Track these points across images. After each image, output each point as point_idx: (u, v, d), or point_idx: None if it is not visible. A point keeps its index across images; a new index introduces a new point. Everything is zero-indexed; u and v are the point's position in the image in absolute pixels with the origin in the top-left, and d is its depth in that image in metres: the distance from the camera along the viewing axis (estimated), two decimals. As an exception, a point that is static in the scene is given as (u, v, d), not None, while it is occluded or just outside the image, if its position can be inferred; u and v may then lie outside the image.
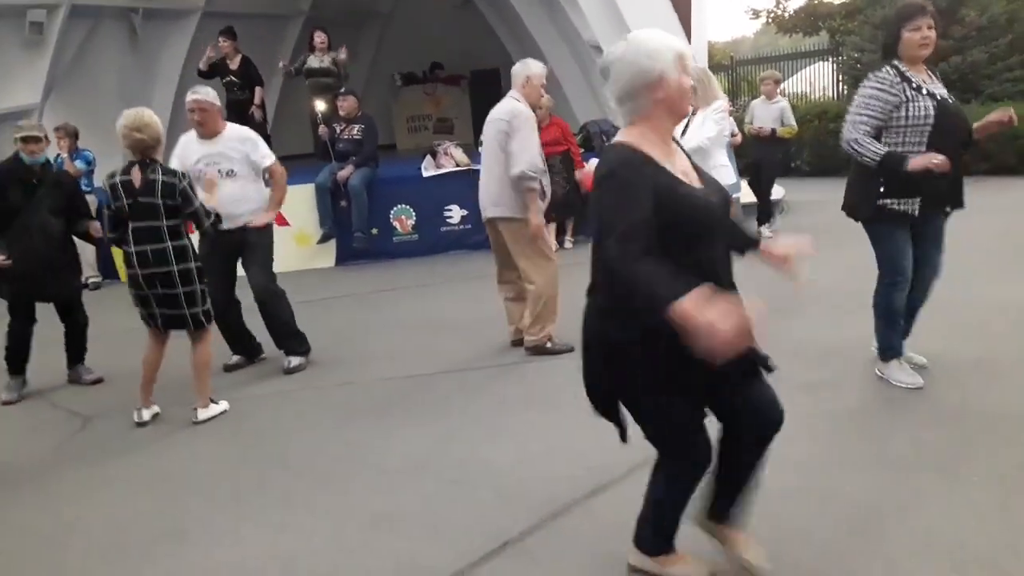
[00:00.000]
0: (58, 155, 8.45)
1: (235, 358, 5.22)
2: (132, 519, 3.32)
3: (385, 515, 3.15)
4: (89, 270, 8.54)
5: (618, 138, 2.21)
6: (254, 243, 4.96)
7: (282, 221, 5.38)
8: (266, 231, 5.03)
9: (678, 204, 2.08)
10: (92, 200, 7.67)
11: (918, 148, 3.59)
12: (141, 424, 4.33)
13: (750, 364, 2.22)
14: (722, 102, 5.49)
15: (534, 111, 4.94)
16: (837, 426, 3.60)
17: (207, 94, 4.85)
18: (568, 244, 8.24)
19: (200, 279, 4.31)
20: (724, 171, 5.65)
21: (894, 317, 3.88)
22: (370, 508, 3.22)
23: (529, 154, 4.65)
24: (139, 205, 4.13)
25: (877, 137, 3.68)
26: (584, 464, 3.34)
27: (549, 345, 4.85)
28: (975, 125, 3.69)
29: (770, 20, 21.18)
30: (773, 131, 8.22)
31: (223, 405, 4.45)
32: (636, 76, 2.09)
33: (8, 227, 4.84)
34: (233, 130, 4.97)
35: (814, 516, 2.84)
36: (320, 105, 8.73)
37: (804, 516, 2.84)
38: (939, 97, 3.60)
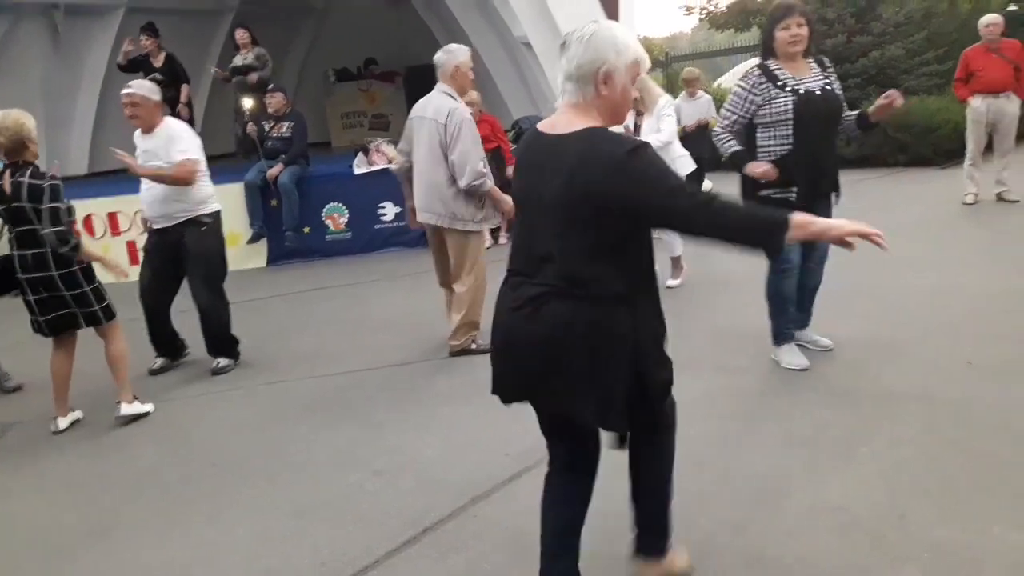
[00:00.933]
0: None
1: (159, 360, 5.17)
2: (55, 522, 3.31)
3: (308, 507, 3.21)
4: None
5: (590, 125, 2.06)
6: (192, 251, 4.85)
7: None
8: (205, 235, 4.88)
9: None
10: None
11: (786, 140, 3.84)
12: (58, 432, 4.28)
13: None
14: (667, 97, 5.77)
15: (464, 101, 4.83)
16: (744, 406, 3.78)
17: (140, 87, 4.79)
18: (503, 240, 8.33)
19: (89, 280, 4.22)
20: (684, 160, 5.89)
21: (783, 303, 4.11)
22: (294, 501, 3.28)
23: (473, 162, 4.53)
24: (12, 210, 4.07)
25: (752, 130, 3.93)
26: (506, 451, 3.45)
27: (474, 346, 4.88)
28: (869, 110, 3.92)
29: (703, 16, 21.61)
30: (702, 125, 8.43)
31: (148, 407, 4.43)
32: (592, 61, 2.03)
33: None
34: (167, 126, 4.86)
35: (717, 490, 3.00)
36: (247, 102, 8.63)
37: (707, 490, 2.99)
38: (803, 91, 3.81)
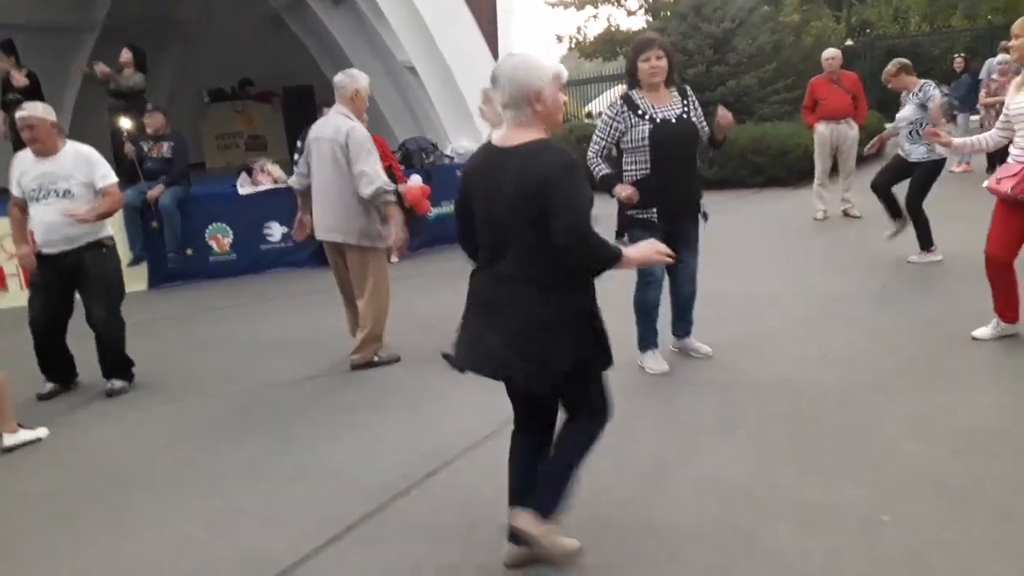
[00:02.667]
0: None
1: (49, 386, 5.00)
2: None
3: (224, 513, 3.28)
4: None
5: (536, 137, 2.47)
6: (93, 276, 4.79)
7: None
8: (106, 258, 4.85)
9: None
10: None
11: (645, 164, 4.20)
12: None
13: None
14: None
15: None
16: (628, 401, 4.07)
17: (34, 109, 4.67)
18: (394, 259, 8.47)
19: None
20: None
21: (648, 312, 4.46)
22: (208, 509, 3.34)
23: (374, 171, 4.67)
24: None
25: (619, 155, 4.30)
26: (418, 452, 3.64)
27: (376, 359, 5.02)
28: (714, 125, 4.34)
29: (572, 46, 22.53)
30: None
31: (42, 432, 4.31)
32: (520, 88, 2.43)
33: None
34: (71, 148, 4.78)
35: (609, 473, 3.28)
36: (125, 123, 8.41)
37: (600, 473, 3.25)
38: (659, 120, 4.16)
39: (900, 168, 6.53)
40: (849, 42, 19.65)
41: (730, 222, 8.67)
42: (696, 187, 4.39)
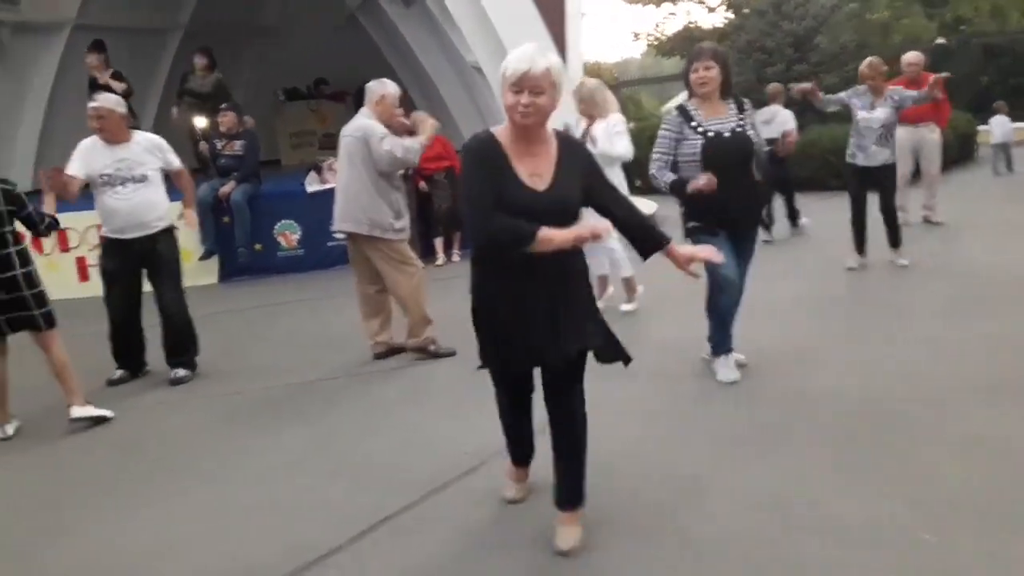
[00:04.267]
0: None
1: (119, 372, 5.26)
2: (23, 520, 3.42)
3: (267, 503, 3.38)
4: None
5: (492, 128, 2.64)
6: (164, 257, 5.06)
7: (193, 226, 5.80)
8: (173, 243, 5.14)
9: (503, 197, 2.52)
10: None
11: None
12: (4, 439, 4.38)
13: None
14: (621, 116, 5.84)
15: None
16: (674, 408, 4.06)
17: (105, 100, 4.95)
18: (456, 257, 8.56)
19: (40, 281, 4.38)
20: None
21: (720, 317, 4.35)
22: (253, 498, 3.44)
23: (397, 142, 4.89)
24: None
25: (674, 168, 4.18)
26: (458, 449, 3.66)
27: (432, 348, 5.12)
28: (776, 147, 4.26)
29: (650, 43, 22.27)
30: None
31: (106, 412, 4.52)
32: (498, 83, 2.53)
33: None
34: (142, 137, 5.08)
35: (648, 481, 3.26)
36: (200, 121, 8.74)
37: (639, 482, 3.25)
38: (712, 133, 4.06)
39: (861, 181, 6.48)
40: (940, 40, 18.84)
41: (807, 219, 8.47)
42: (754, 198, 4.26)
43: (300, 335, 6.16)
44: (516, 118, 2.51)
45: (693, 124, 4.10)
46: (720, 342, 4.40)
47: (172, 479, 3.71)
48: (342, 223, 5.12)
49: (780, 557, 2.66)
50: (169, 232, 5.15)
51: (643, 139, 13.12)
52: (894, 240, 6.55)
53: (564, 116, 7.47)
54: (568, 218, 2.60)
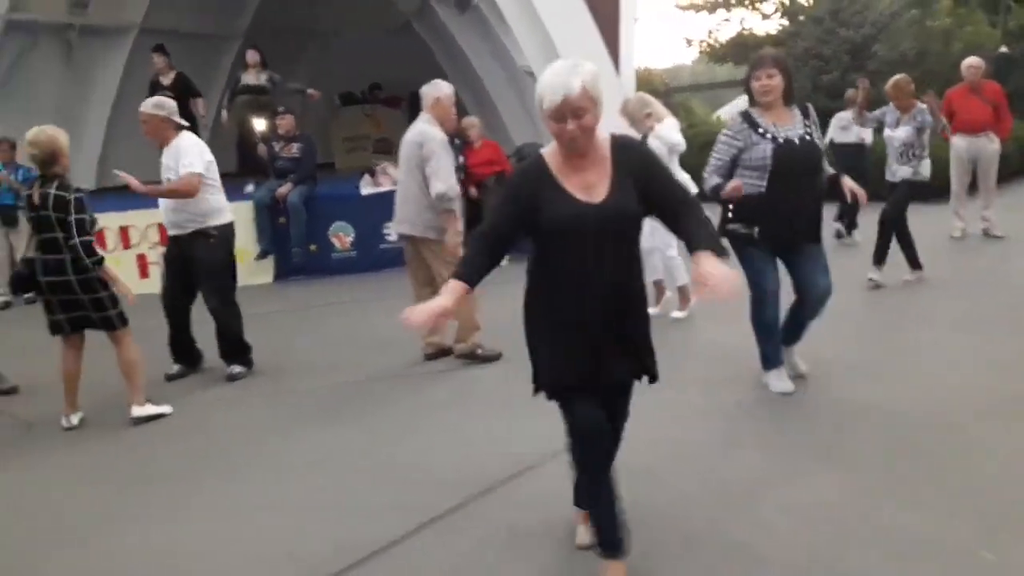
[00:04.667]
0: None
1: (176, 367, 5.40)
2: (81, 507, 3.55)
3: (317, 500, 3.45)
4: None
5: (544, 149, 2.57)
6: (198, 259, 5.12)
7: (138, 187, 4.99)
8: (213, 247, 5.12)
9: (543, 216, 2.46)
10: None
11: (760, 183, 4.02)
12: (70, 428, 4.54)
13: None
14: (675, 121, 5.87)
15: (445, 131, 5.21)
16: (725, 416, 4.03)
17: (145, 105, 5.10)
18: (504, 262, 8.58)
19: (104, 286, 4.48)
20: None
21: (764, 330, 4.27)
22: (303, 494, 3.52)
23: (446, 173, 4.96)
24: (39, 217, 4.37)
25: (730, 174, 4.13)
26: (502, 453, 3.69)
27: (479, 352, 5.17)
28: (842, 180, 4.16)
29: (703, 50, 22.06)
30: None
31: (166, 408, 4.66)
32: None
33: None
34: (179, 140, 5.10)
35: (697, 490, 3.24)
36: (260, 124, 8.94)
37: (689, 490, 3.24)
38: (783, 140, 3.99)
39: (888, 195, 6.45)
40: (1004, 48, 18.29)
41: (864, 238, 8.28)
42: (816, 209, 4.16)
43: (352, 335, 6.25)
44: (566, 146, 2.45)
45: (761, 130, 4.03)
46: (768, 355, 4.34)
47: (227, 472, 3.81)
48: (399, 225, 5.27)
49: (834, 568, 2.63)
50: (202, 235, 5.11)
51: (695, 146, 13.02)
52: (878, 256, 6.39)
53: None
54: (628, 227, 2.53)
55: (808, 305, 4.24)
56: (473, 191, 8.61)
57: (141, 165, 5.08)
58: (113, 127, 11.79)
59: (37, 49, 11.06)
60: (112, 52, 11.97)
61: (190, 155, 5.06)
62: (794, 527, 2.90)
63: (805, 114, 4.13)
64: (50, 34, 11.11)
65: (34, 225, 4.41)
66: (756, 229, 4.07)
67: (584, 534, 2.86)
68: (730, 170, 4.16)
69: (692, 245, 2.44)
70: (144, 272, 8.53)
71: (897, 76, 6.61)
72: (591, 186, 2.49)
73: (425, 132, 5.05)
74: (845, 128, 8.50)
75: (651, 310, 5.86)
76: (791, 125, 4.06)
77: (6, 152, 8.43)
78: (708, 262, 2.32)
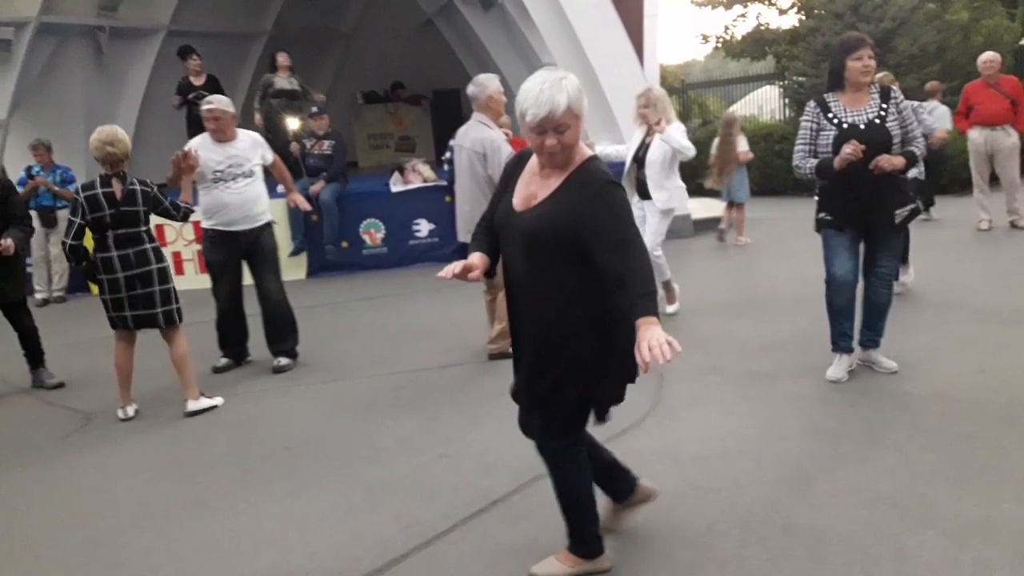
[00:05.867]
0: (30, 167, 8.69)
1: (223, 360, 5.54)
2: (153, 495, 3.67)
3: (382, 483, 3.56)
4: (56, 282, 8.75)
5: None
6: (267, 248, 5.36)
7: (305, 205, 5.97)
8: (273, 235, 5.44)
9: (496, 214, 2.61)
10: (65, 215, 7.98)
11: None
12: (126, 419, 4.68)
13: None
14: (680, 125, 5.89)
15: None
16: (771, 405, 4.11)
17: (219, 102, 5.26)
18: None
19: (171, 279, 4.67)
20: (680, 193, 6.05)
21: (833, 315, 4.32)
22: (368, 479, 3.63)
23: None
24: (121, 213, 4.50)
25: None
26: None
27: (511, 350, 5.23)
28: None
29: (719, 45, 22.04)
30: None
31: (217, 400, 4.79)
32: None
33: None
34: (246, 134, 5.39)
35: (752, 475, 3.33)
36: (293, 123, 9.09)
37: (743, 475, 3.32)
38: (847, 125, 4.01)
39: None
40: (1023, 42, 18.22)
41: (937, 213, 8.47)
42: (890, 194, 4.09)
43: (390, 328, 6.37)
44: (544, 160, 2.41)
45: (830, 115, 4.07)
46: (836, 339, 4.37)
47: (290, 459, 3.93)
48: (465, 235, 5.18)
49: (893, 548, 2.71)
50: (270, 225, 5.44)
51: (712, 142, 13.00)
52: (902, 257, 6.18)
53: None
54: (539, 247, 2.41)
55: (870, 288, 4.26)
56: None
57: (168, 162, 5.17)
58: (142, 126, 11.97)
59: (67, 51, 11.24)
60: (140, 53, 12.15)
61: (265, 146, 5.46)
62: (851, 509, 2.98)
63: (885, 97, 4.08)
64: (81, 36, 11.29)
65: (113, 221, 4.48)
66: (839, 215, 4.11)
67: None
68: (816, 154, 4.16)
69: (625, 312, 2.29)
70: (179, 269, 8.68)
71: (880, 75, 6.54)
72: (534, 195, 2.47)
73: (486, 141, 4.97)
74: (929, 114, 8.76)
75: (669, 309, 6.06)
76: (862, 108, 4.05)
77: (43, 155, 8.59)
78: (645, 332, 2.15)
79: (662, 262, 5.90)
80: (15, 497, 3.81)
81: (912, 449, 3.45)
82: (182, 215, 4.83)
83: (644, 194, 5.85)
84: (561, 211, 2.37)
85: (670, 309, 6.02)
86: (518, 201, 2.49)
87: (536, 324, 2.53)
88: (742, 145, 8.77)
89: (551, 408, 2.60)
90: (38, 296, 8.59)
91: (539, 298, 2.48)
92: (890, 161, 3.92)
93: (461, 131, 5.26)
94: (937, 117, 8.46)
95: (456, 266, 2.48)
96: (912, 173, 5.92)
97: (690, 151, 5.68)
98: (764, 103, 18.23)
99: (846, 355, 4.36)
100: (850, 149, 3.85)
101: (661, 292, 6.06)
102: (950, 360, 4.51)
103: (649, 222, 5.77)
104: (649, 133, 5.82)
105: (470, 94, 5.19)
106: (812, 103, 4.18)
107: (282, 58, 9.87)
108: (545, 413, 2.64)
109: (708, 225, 9.59)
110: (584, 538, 2.71)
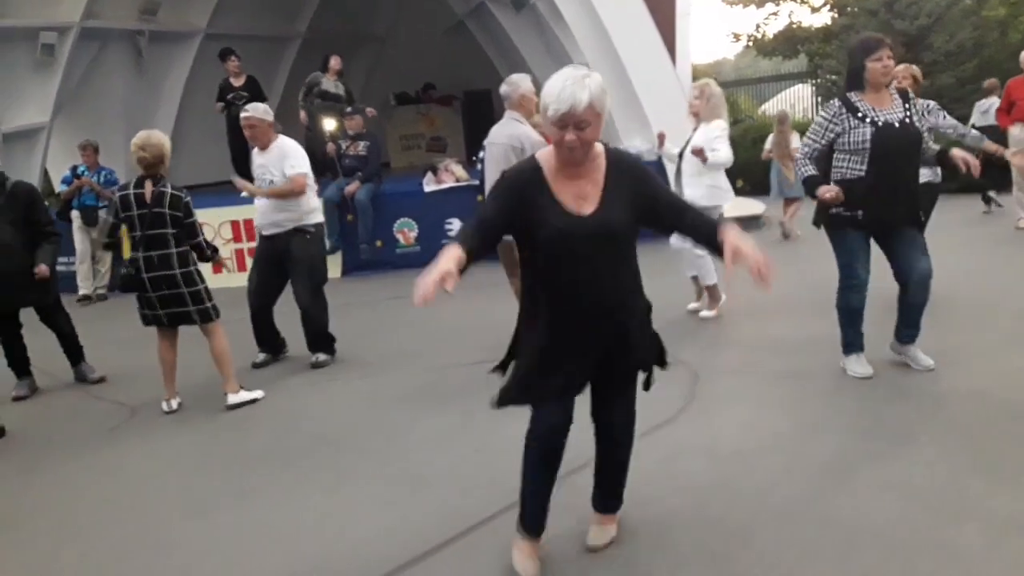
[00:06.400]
0: (76, 166, 8.94)
1: (261, 355, 5.67)
2: (200, 484, 3.78)
3: (420, 476, 3.63)
4: (99, 279, 8.97)
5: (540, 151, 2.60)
6: (297, 256, 5.38)
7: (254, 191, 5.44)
8: (309, 243, 5.43)
9: (535, 223, 2.50)
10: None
11: (859, 167, 4.08)
12: (170, 412, 4.82)
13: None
14: (725, 123, 5.83)
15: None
16: (806, 402, 4.12)
17: (254, 110, 5.34)
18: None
19: (201, 279, 4.78)
20: (727, 194, 5.99)
21: (850, 316, 4.33)
22: (406, 471, 3.70)
23: None
24: (150, 214, 4.62)
25: (827, 156, 4.21)
26: (591, 434, 3.80)
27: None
28: (952, 151, 4.18)
29: (750, 43, 21.91)
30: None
31: (257, 393, 4.90)
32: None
33: None
34: (280, 143, 5.40)
35: (788, 471, 3.35)
36: (329, 124, 9.23)
37: (778, 472, 3.34)
38: (881, 123, 4.03)
39: None
40: (1064, 37, 17.87)
41: (930, 227, 8.23)
42: (914, 192, 4.17)
43: (424, 325, 6.44)
44: (564, 155, 2.46)
45: (860, 114, 4.06)
46: (849, 340, 4.39)
47: (331, 452, 4.02)
48: None
49: (932, 541, 2.71)
50: (301, 232, 5.39)
51: (747, 141, 12.98)
52: None
53: (670, 117, 7.53)
54: (616, 241, 2.54)
55: (910, 289, 4.23)
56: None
57: (205, 163, 5.33)
58: (180, 127, 12.23)
59: (108, 55, 11.52)
60: (179, 56, 12.42)
61: (295, 157, 5.34)
62: (887, 503, 2.99)
63: (905, 98, 4.16)
64: (120, 40, 11.56)
65: (143, 222, 4.63)
66: (860, 212, 4.10)
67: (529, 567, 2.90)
68: (827, 155, 4.22)
69: (713, 230, 2.49)
70: (217, 268, 8.83)
71: (900, 67, 6.43)
72: (584, 197, 2.51)
73: (523, 136, 5.00)
74: (985, 113, 8.67)
75: (692, 305, 6.04)
76: (890, 108, 4.09)
77: (91, 156, 8.83)
78: (736, 235, 2.43)
79: (706, 262, 5.77)
80: (67, 487, 3.95)
81: (949, 445, 3.44)
82: (209, 254, 4.89)
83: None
84: (626, 200, 2.52)
85: (707, 314, 5.95)
86: (573, 206, 2.50)
87: (619, 307, 2.63)
88: (795, 141, 8.79)
89: (649, 362, 2.81)
90: (81, 292, 8.82)
91: (616, 280, 2.60)
92: (965, 158, 4.11)
93: (495, 128, 5.30)
94: (994, 114, 8.53)
95: (430, 284, 2.35)
96: (926, 176, 5.86)
97: (721, 162, 5.67)
98: (796, 101, 18.07)
99: (862, 352, 4.38)
100: (831, 195, 4.04)
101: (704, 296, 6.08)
102: (987, 358, 4.47)
103: None
104: (696, 127, 5.81)
105: (503, 93, 5.24)
106: (836, 102, 4.18)
107: (334, 61, 9.99)
108: (632, 381, 2.84)
109: (742, 224, 9.55)
110: (622, 493, 3.05)
